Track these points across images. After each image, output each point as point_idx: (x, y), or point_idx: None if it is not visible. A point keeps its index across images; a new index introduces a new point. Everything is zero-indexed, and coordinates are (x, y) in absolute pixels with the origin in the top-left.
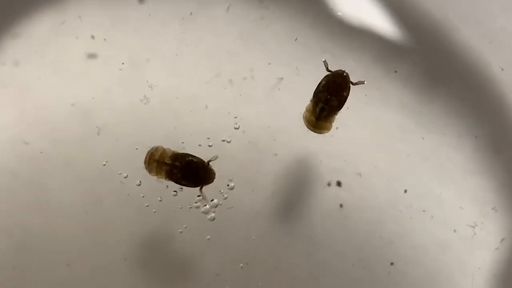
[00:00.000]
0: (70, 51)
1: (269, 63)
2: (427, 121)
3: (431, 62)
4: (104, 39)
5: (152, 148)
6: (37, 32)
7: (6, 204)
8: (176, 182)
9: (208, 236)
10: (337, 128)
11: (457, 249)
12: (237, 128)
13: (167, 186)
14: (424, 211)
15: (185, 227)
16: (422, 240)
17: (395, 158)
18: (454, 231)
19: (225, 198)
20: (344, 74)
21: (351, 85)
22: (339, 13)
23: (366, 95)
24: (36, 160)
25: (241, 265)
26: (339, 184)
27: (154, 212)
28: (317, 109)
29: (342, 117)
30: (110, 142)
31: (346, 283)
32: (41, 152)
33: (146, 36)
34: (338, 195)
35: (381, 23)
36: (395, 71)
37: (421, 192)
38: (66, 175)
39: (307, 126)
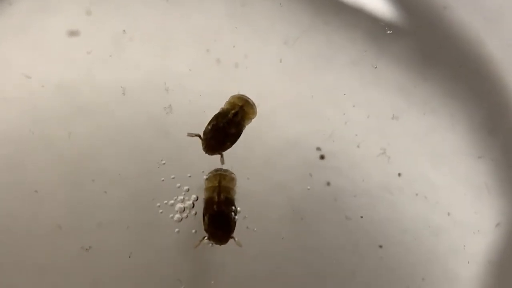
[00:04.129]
0: (52, 29)
1: (258, 42)
2: (420, 102)
3: (424, 41)
4: (87, 16)
5: (228, 171)
6: (18, 10)
7: None
8: (205, 211)
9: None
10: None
11: (451, 233)
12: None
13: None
14: (416, 194)
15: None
16: (414, 224)
17: (387, 140)
18: (448, 214)
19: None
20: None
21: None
22: None
23: (358, 75)
24: (15, 139)
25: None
26: (326, 160)
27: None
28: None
29: (334, 99)
30: (92, 122)
31: (338, 267)
32: (20, 132)
33: (130, 13)
34: (328, 177)
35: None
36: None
37: (414, 175)
38: (46, 155)
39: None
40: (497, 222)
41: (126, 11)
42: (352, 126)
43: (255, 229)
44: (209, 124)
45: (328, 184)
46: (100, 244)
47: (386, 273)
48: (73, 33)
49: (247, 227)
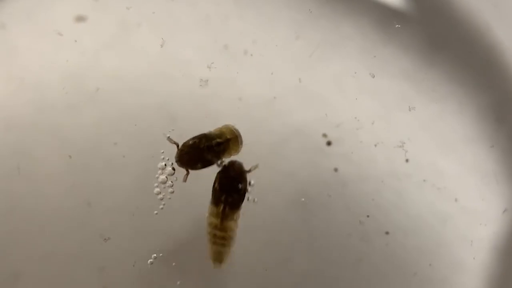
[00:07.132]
0: (59, 14)
1: (266, 28)
2: (427, 89)
3: (432, 27)
4: (94, 2)
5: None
6: None
7: None
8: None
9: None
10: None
11: (458, 220)
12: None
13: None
14: (424, 180)
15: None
16: (421, 211)
17: (395, 127)
18: (455, 200)
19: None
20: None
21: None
22: None
23: (365, 62)
24: (22, 127)
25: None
26: (333, 146)
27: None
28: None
29: (341, 85)
30: (99, 109)
31: (345, 253)
32: (27, 119)
33: None
34: (336, 164)
35: None
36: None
37: (421, 161)
38: (53, 142)
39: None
40: (504, 209)
41: None
42: (359, 112)
43: (262, 215)
44: (191, 139)
45: (336, 170)
46: (106, 233)
47: (393, 259)
48: (80, 19)
49: (255, 214)
